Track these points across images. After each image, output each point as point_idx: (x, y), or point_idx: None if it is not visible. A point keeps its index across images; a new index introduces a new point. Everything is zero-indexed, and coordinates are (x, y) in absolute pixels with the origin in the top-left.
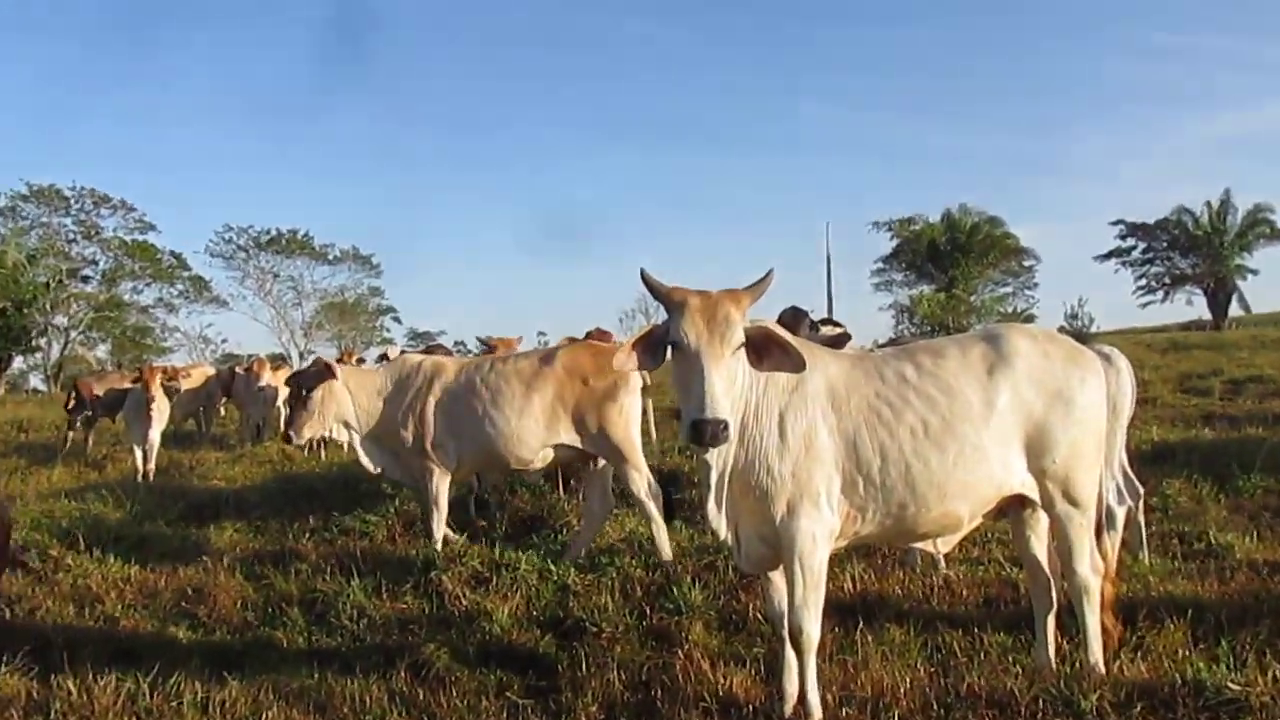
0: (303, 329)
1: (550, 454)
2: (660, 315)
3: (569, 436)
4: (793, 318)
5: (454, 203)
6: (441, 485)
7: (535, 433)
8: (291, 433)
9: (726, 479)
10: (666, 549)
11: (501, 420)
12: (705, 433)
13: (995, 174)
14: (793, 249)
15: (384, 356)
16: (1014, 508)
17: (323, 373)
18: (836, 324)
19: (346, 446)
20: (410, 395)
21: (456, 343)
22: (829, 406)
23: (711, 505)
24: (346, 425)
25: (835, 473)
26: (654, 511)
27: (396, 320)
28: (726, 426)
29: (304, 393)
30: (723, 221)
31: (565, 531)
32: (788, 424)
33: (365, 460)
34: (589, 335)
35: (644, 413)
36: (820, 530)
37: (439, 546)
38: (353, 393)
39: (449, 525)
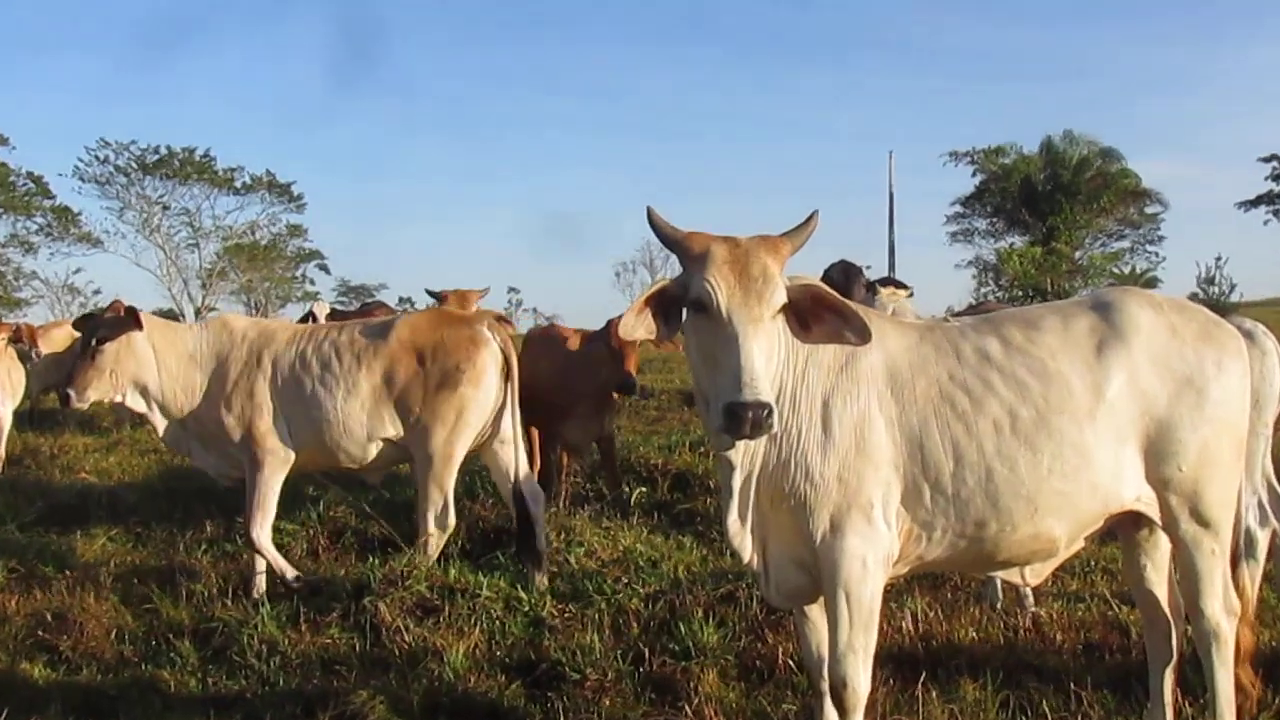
0: (200, 278)
1: (381, 451)
2: (670, 270)
3: (394, 429)
4: (843, 276)
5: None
6: (273, 482)
7: (360, 420)
8: (71, 391)
9: (753, 485)
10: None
11: (329, 403)
12: (745, 420)
13: (1111, 93)
14: (844, 189)
15: (310, 316)
16: (1126, 528)
17: (123, 320)
18: (900, 284)
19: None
20: (236, 369)
21: (403, 299)
22: (888, 392)
23: (733, 519)
24: (145, 393)
25: (894, 478)
26: (432, 547)
27: (324, 269)
28: (771, 412)
29: (94, 343)
30: (752, 153)
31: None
32: (834, 413)
33: (165, 439)
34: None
35: (503, 409)
36: (873, 553)
37: (272, 560)
38: (158, 352)
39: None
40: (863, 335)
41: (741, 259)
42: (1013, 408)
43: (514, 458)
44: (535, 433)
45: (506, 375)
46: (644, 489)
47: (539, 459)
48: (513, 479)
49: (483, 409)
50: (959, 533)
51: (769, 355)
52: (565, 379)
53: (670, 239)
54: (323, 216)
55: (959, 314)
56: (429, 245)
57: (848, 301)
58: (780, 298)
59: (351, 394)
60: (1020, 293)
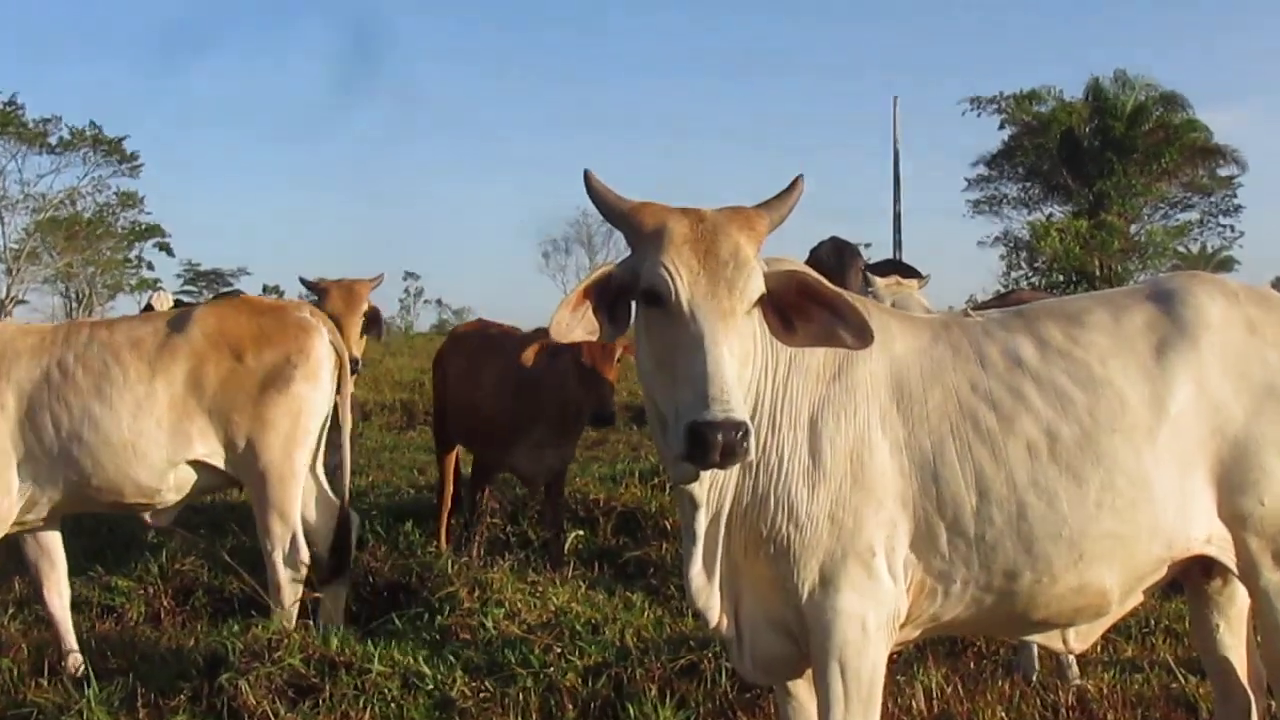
0: (4, 261)
1: (186, 478)
2: (614, 251)
3: (207, 447)
4: (835, 257)
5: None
6: None
7: (158, 441)
8: None
9: (722, 527)
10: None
11: (108, 421)
12: (713, 444)
13: (1175, 24)
14: (837, 144)
15: (148, 309)
16: (1194, 578)
17: None
18: (907, 272)
19: None
20: None
21: (268, 289)
22: (893, 407)
23: (697, 570)
24: None
25: (901, 516)
26: (286, 594)
27: (165, 249)
28: (747, 433)
29: None
30: (723, 96)
31: (449, 610)
32: (824, 435)
33: None
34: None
35: (334, 416)
36: (875, 612)
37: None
38: None
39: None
40: (862, 336)
41: (707, 237)
42: (1051, 426)
43: (344, 477)
44: (450, 459)
45: (339, 374)
46: (581, 532)
47: (448, 491)
48: (339, 504)
49: (320, 412)
50: (984, 585)
51: (744, 360)
52: (520, 396)
53: (615, 211)
54: (164, 184)
55: (983, 306)
56: (301, 223)
57: (843, 292)
58: (757, 286)
59: (143, 408)
60: (1061, 278)
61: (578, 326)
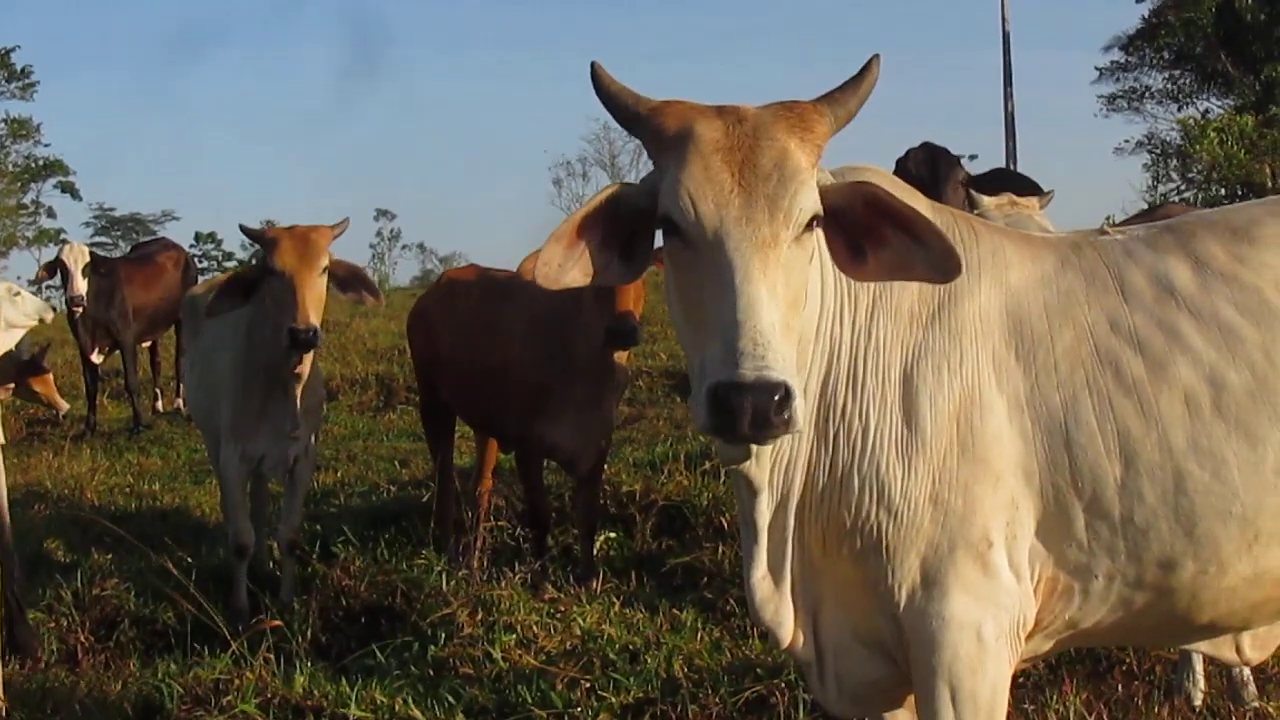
0: None
1: None
2: (637, 169)
3: None
4: (927, 167)
5: None
6: None
7: None
8: None
9: (789, 518)
10: None
11: None
12: (741, 411)
13: None
14: (930, 32)
15: (58, 267)
16: None
17: None
18: (1023, 183)
19: None
20: None
21: (201, 236)
22: (1010, 354)
23: (760, 575)
24: None
25: (1025, 495)
26: None
27: (70, 191)
28: (789, 397)
29: None
30: None
31: (446, 637)
32: (921, 393)
33: None
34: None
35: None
36: (993, 620)
37: None
38: None
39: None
40: (945, 267)
41: (745, 143)
42: (1215, 372)
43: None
44: (447, 444)
45: None
46: (613, 534)
47: (451, 485)
48: None
49: None
50: (1133, 581)
51: (792, 302)
52: (550, 347)
53: (630, 113)
54: (63, 109)
55: (1124, 223)
56: (245, 158)
57: (919, 210)
58: (808, 205)
59: None
60: (1222, 191)
61: (572, 267)
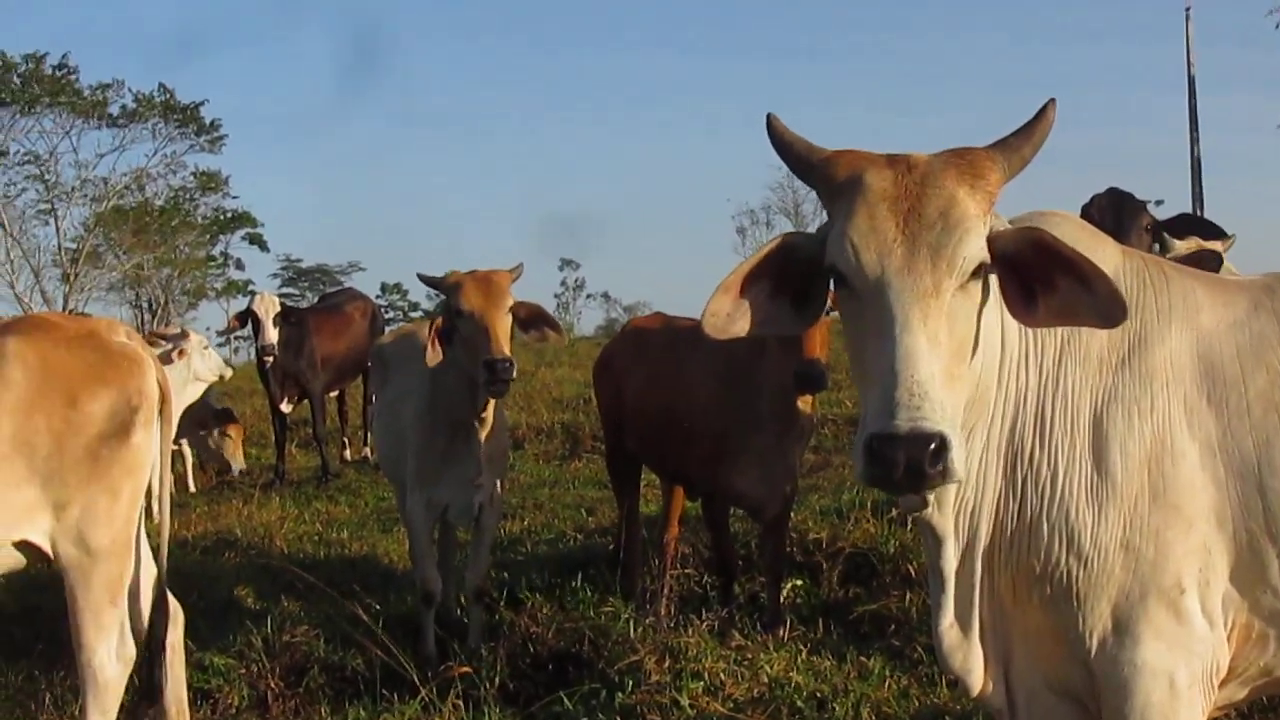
0: (59, 263)
1: (9, 559)
2: (820, 217)
3: (34, 524)
4: (1111, 213)
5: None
6: None
7: None
8: None
9: (976, 565)
10: None
11: None
12: (892, 463)
13: None
14: (1113, 74)
15: (249, 317)
16: None
17: None
18: (1209, 227)
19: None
20: None
21: (387, 287)
22: (1202, 399)
23: (947, 623)
24: None
25: (1218, 541)
26: (110, 697)
27: (258, 243)
28: (945, 448)
29: None
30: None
31: (633, 684)
32: (1111, 439)
33: None
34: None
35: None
36: (1186, 667)
37: None
38: None
39: None
40: (1110, 312)
41: (913, 192)
42: None
43: (162, 548)
44: (634, 492)
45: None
46: (800, 581)
47: (638, 533)
48: (155, 581)
49: (148, 461)
50: None
51: (956, 352)
52: (736, 394)
53: (805, 163)
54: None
55: None
56: (423, 208)
57: (1085, 255)
58: (974, 253)
59: None
60: None
61: (740, 318)
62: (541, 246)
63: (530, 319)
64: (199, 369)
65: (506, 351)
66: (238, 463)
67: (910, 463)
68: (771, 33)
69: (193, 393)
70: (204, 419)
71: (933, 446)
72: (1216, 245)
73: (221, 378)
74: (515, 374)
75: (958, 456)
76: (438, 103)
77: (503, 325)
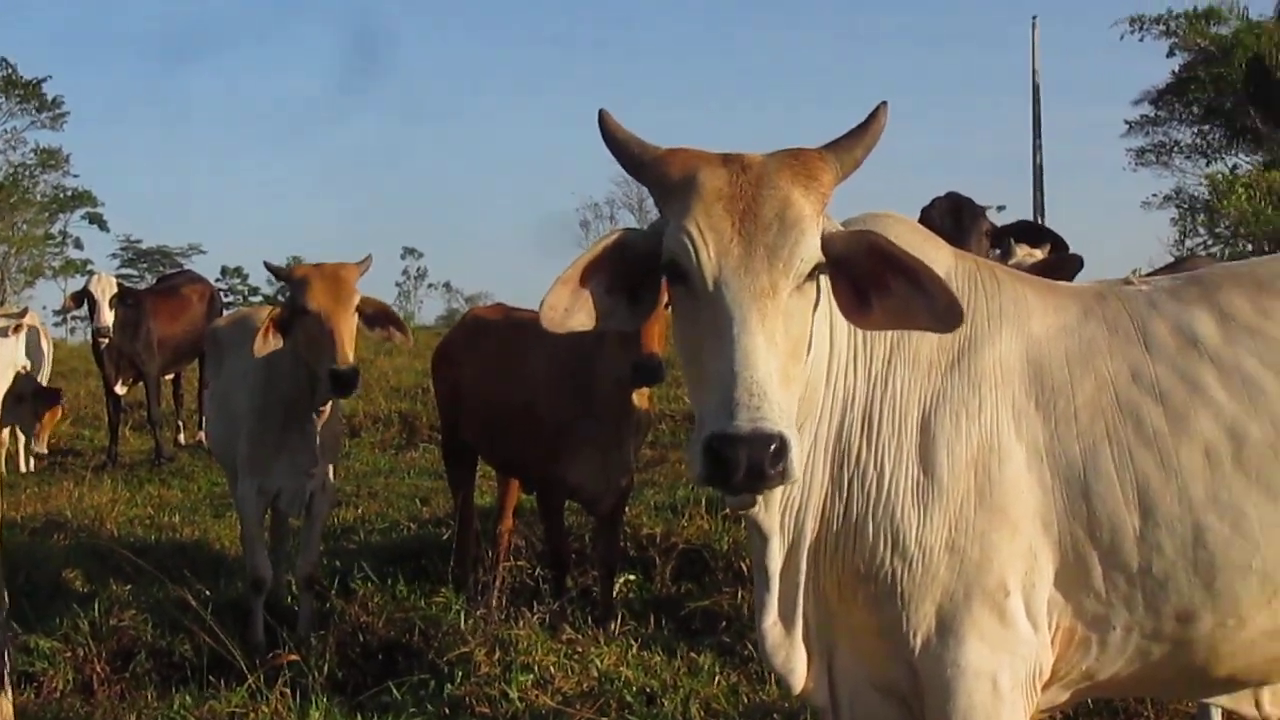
0: None
1: None
2: (648, 215)
3: None
4: (950, 218)
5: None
6: None
7: None
8: None
9: (803, 562)
10: None
11: None
12: (733, 463)
13: None
14: (958, 79)
15: (85, 297)
16: None
17: None
18: (1045, 234)
19: None
20: None
21: (227, 270)
22: (1030, 403)
23: (771, 620)
24: None
25: (1044, 544)
26: None
27: (98, 222)
28: (784, 447)
29: None
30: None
31: (463, 676)
32: (939, 440)
33: None
34: None
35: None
36: (1009, 669)
37: None
38: None
39: None
40: (946, 317)
41: (748, 191)
42: (1236, 424)
43: None
44: (469, 482)
45: None
46: (632, 576)
47: (472, 524)
48: None
49: None
50: (1151, 633)
51: (792, 351)
52: (574, 387)
53: (637, 161)
54: (92, 139)
55: (1150, 275)
56: (269, 191)
57: (922, 260)
58: (809, 254)
59: None
60: (1249, 246)
61: (578, 311)
62: (383, 233)
63: (376, 316)
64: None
65: (351, 357)
66: (39, 445)
67: (752, 463)
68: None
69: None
70: (23, 396)
71: (773, 447)
72: (1036, 253)
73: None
74: (360, 381)
75: (796, 457)
76: (286, 87)
77: (348, 326)
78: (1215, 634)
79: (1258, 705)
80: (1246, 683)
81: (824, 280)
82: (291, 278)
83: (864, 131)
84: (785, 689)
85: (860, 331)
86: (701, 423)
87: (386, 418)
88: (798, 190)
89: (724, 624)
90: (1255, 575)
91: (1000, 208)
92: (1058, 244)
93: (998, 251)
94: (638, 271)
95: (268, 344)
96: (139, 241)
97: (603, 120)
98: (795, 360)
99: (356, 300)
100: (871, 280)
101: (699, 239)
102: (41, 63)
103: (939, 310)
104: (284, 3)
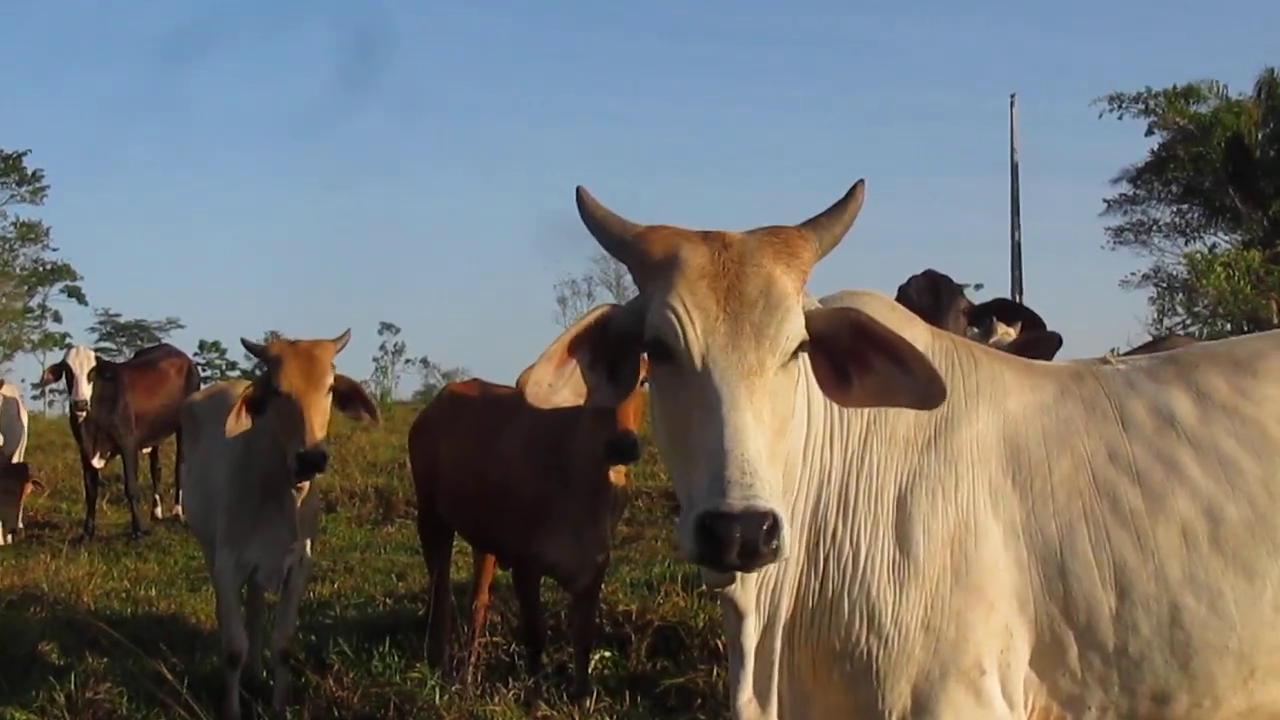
0: None
1: None
2: (625, 293)
3: None
4: (929, 295)
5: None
6: None
7: None
8: None
9: (778, 640)
10: None
11: None
12: (729, 542)
13: None
14: (935, 158)
15: (63, 370)
16: None
17: None
18: (1024, 314)
19: None
20: None
21: (206, 345)
22: (1007, 481)
23: (745, 699)
24: None
25: (1020, 623)
26: None
27: (77, 296)
28: (777, 525)
29: None
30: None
31: None
32: (915, 519)
33: None
34: None
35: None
36: None
37: None
38: None
39: None
40: (928, 394)
41: (731, 269)
42: (1213, 505)
43: None
44: (445, 559)
45: None
46: (609, 653)
47: (446, 599)
48: None
49: None
50: (1127, 713)
51: (778, 429)
52: (549, 464)
53: (616, 239)
54: (75, 215)
55: (1128, 354)
56: (246, 267)
57: (904, 337)
58: (794, 333)
59: None
60: (1227, 325)
61: (563, 387)
62: (360, 309)
63: (349, 395)
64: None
65: (320, 440)
66: (9, 522)
67: (746, 541)
68: (589, 96)
69: None
70: None
71: (766, 525)
72: (1011, 331)
73: None
74: (328, 463)
75: (788, 534)
76: (260, 157)
77: (320, 408)
78: (1191, 715)
79: None
80: None
81: (804, 358)
82: (267, 355)
83: (842, 209)
84: None
85: (836, 408)
86: (691, 500)
87: (363, 493)
88: (780, 268)
89: (699, 701)
90: (1231, 656)
91: (978, 286)
92: (1033, 321)
93: (975, 330)
94: (618, 348)
95: (240, 424)
96: (117, 315)
97: (581, 198)
98: (780, 438)
99: (330, 380)
100: (852, 357)
101: (685, 316)
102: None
103: (921, 388)
104: (263, 53)
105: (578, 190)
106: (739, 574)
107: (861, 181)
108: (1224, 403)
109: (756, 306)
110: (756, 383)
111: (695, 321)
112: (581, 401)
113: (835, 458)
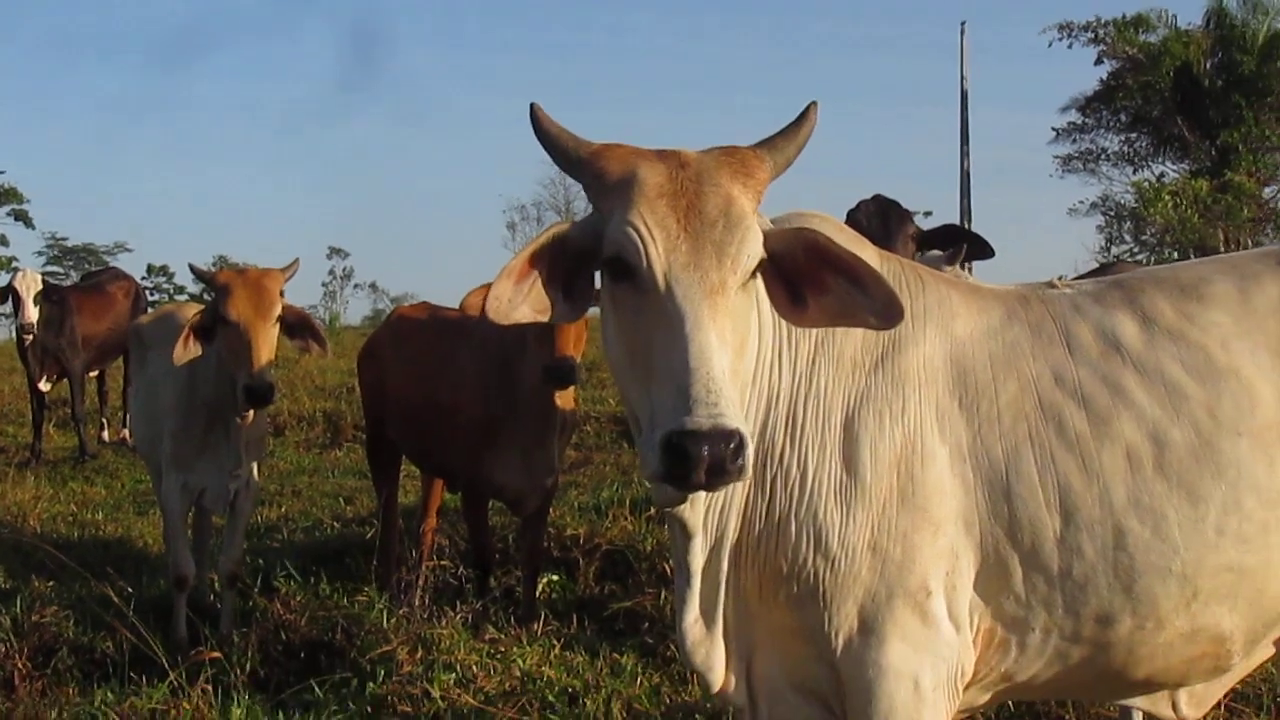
0: None
1: None
2: (575, 218)
3: None
4: (878, 220)
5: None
6: None
7: None
8: None
9: (723, 563)
10: None
11: None
12: (697, 460)
13: None
14: (887, 83)
15: (9, 293)
16: None
17: None
18: (969, 237)
19: None
20: None
21: (154, 269)
22: (954, 404)
23: (691, 619)
24: None
25: (965, 545)
26: None
27: (23, 219)
28: (743, 445)
29: None
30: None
31: (385, 675)
32: (862, 441)
33: None
34: None
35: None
36: (931, 670)
37: None
38: None
39: None
40: (887, 313)
41: (689, 188)
42: (1158, 429)
43: None
44: (393, 481)
45: None
46: (555, 577)
47: (394, 522)
48: None
49: None
50: (1070, 635)
51: (739, 348)
52: (498, 386)
53: (572, 157)
54: (20, 141)
55: (1074, 280)
56: (196, 190)
57: (861, 258)
58: (753, 251)
59: None
60: (1175, 254)
61: (522, 303)
62: (310, 233)
63: (297, 325)
64: None
65: (267, 370)
66: None
67: (713, 460)
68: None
69: None
70: None
71: (733, 444)
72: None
73: None
74: (275, 394)
75: (750, 454)
76: (231, 91)
77: (267, 338)
78: (1134, 636)
79: (1174, 707)
80: (1164, 685)
81: (758, 281)
82: (215, 283)
83: (796, 130)
84: (705, 688)
85: (785, 329)
86: (654, 420)
87: (311, 417)
88: (737, 187)
89: (647, 625)
90: (1175, 578)
91: (927, 213)
92: (978, 244)
93: (939, 253)
94: (574, 266)
95: (188, 351)
96: (65, 239)
97: (534, 115)
98: (740, 358)
99: (278, 310)
100: (807, 278)
101: (646, 234)
102: None
103: (880, 308)
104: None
105: (531, 107)
106: (697, 494)
107: (814, 103)
108: (1169, 327)
109: (717, 226)
110: (719, 302)
111: (657, 239)
112: (543, 318)
113: (783, 379)
